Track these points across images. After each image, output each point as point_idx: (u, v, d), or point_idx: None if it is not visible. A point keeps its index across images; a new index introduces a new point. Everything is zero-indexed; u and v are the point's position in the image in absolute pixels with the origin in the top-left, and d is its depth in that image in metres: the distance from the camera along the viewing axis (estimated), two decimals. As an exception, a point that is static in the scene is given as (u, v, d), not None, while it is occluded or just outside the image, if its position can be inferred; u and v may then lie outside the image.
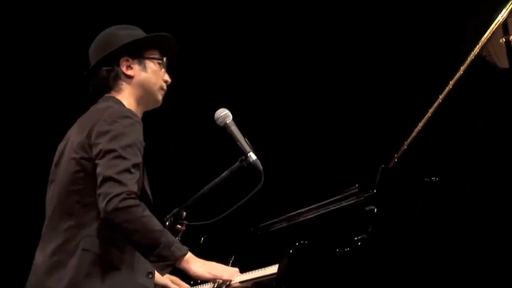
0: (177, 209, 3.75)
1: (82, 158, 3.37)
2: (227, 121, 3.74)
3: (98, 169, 3.29)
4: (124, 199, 3.21)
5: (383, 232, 3.56)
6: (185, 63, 6.12)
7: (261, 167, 3.66)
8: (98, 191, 3.26)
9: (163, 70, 3.64)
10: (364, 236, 3.50)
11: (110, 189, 3.23)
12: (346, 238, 3.53)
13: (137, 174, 3.30)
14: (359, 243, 3.49)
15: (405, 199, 3.67)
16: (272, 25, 6.12)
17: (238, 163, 3.70)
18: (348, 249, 3.48)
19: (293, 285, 3.45)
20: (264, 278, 3.58)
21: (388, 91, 5.84)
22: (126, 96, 3.58)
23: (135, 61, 3.61)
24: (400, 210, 3.64)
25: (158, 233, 3.27)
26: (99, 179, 3.27)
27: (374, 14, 5.93)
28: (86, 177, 3.35)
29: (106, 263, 3.31)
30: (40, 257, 3.40)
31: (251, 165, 3.67)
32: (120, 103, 3.54)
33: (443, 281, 3.63)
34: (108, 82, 3.58)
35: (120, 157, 3.28)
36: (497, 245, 3.76)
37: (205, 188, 3.74)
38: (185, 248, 3.35)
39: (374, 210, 3.59)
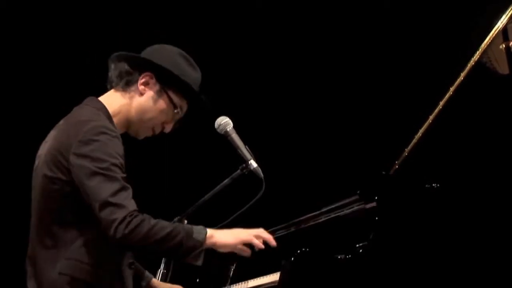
0: (178, 217, 3.74)
1: (57, 178, 3.27)
2: (228, 129, 3.74)
3: (89, 193, 3.19)
4: (129, 222, 3.15)
5: (385, 239, 3.55)
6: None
7: (262, 175, 3.66)
8: (99, 217, 3.17)
9: (170, 117, 3.50)
10: (366, 243, 3.50)
11: (111, 215, 3.16)
12: (348, 246, 3.53)
13: (130, 189, 3.23)
14: (361, 250, 3.49)
15: (406, 206, 3.66)
16: (275, 33, 6.12)
17: (239, 170, 3.69)
18: (349, 256, 3.48)
19: (294, 293, 3.45)
20: (266, 286, 3.58)
21: (389, 98, 5.84)
22: (120, 104, 3.45)
23: (157, 86, 3.46)
24: (401, 217, 3.64)
25: (173, 232, 3.21)
26: (95, 204, 3.18)
27: (375, 22, 5.94)
28: (62, 198, 3.27)
29: (84, 286, 3.26)
30: (30, 279, 3.35)
31: (252, 172, 3.67)
32: (103, 110, 3.40)
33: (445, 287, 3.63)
34: (120, 79, 3.45)
35: (109, 177, 3.19)
36: (500, 251, 3.75)
37: (206, 196, 3.74)
38: (201, 227, 3.31)
39: (376, 217, 3.58)
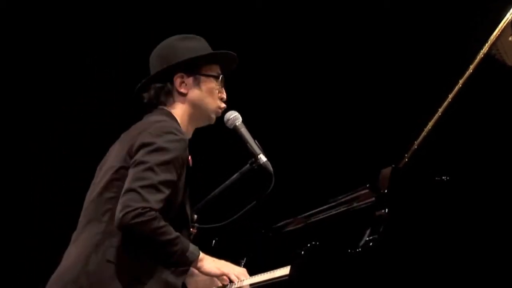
0: (188, 212, 3.75)
1: (121, 167, 3.40)
2: (237, 123, 3.74)
3: (128, 178, 3.31)
4: (139, 214, 3.23)
5: (395, 232, 3.55)
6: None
7: (271, 169, 3.66)
8: (120, 199, 3.28)
9: (218, 87, 3.62)
10: (376, 236, 3.50)
11: (130, 201, 3.25)
12: (358, 239, 3.53)
13: (164, 192, 3.31)
14: (371, 244, 3.49)
15: (416, 199, 3.66)
16: (284, 29, 6.11)
17: (248, 165, 3.70)
18: (359, 249, 3.48)
19: (305, 287, 3.45)
20: (276, 280, 3.58)
21: (398, 91, 5.83)
22: (179, 112, 3.57)
23: (190, 78, 3.58)
24: (411, 210, 3.63)
25: (173, 241, 3.32)
26: (125, 187, 3.29)
27: (384, 12, 5.92)
28: (121, 185, 3.36)
29: (128, 276, 3.34)
30: (66, 261, 3.43)
31: (262, 167, 3.68)
32: (172, 117, 3.54)
33: (456, 281, 3.63)
34: (160, 98, 3.57)
35: (151, 171, 3.29)
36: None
37: (216, 190, 3.74)
38: (196, 248, 3.41)
39: (386, 210, 3.58)
